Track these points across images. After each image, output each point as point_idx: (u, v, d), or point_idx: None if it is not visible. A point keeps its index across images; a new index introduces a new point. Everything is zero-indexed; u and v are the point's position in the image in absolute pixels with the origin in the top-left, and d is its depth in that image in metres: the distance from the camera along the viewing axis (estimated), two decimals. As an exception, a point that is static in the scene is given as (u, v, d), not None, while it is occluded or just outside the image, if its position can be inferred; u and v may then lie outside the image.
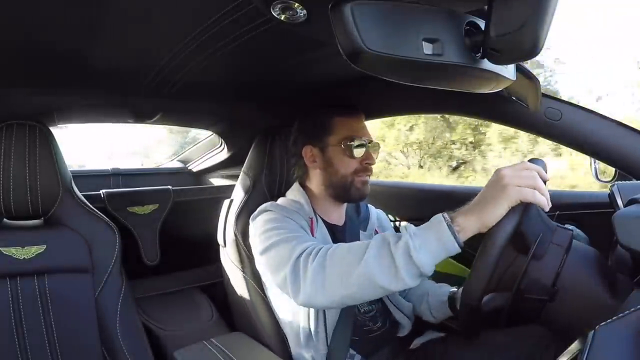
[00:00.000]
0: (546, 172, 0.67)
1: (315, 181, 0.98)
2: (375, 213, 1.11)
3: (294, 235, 0.80)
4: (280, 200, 0.98)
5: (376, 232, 1.04)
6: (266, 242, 0.83)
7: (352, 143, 0.91)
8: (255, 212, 0.93)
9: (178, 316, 1.36)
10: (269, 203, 0.94)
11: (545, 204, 0.58)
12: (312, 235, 0.89)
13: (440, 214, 0.62)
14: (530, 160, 0.64)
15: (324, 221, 0.96)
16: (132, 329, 0.98)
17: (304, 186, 1.00)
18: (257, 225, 0.89)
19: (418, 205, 1.34)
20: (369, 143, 0.94)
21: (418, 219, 1.28)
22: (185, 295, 1.53)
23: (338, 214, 1.01)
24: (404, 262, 0.59)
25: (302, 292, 0.70)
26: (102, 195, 1.41)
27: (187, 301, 1.49)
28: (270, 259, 0.81)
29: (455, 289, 0.97)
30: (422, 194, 1.36)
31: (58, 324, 0.89)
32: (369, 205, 1.11)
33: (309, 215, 0.93)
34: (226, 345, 1.00)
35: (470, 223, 0.59)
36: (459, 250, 0.59)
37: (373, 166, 0.95)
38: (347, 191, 0.94)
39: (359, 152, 0.92)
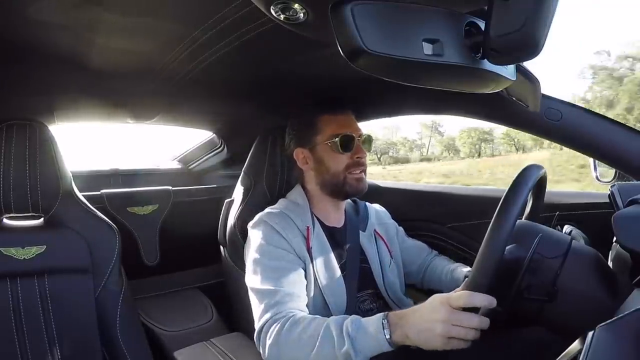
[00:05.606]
0: (546, 184, 0.67)
1: (311, 182, 0.99)
2: (374, 211, 1.10)
3: (269, 289, 0.82)
4: (280, 204, 0.98)
5: (375, 232, 1.04)
6: (250, 279, 0.87)
7: (338, 139, 0.91)
8: (253, 222, 0.94)
9: (178, 316, 1.36)
10: (266, 212, 0.94)
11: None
12: (308, 245, 0.89)
13: (381, 318, 0.68)
14: (529, 167, 0.64)
15: (323, 225, 0.97)
16: (132, 329, 0.98)
17: (304, 187, 1.01)
18: (251, 241, 0.91)
19: (417, 206, 1.34)
20: (359, 137, 0.95)
21: (417, 220, 1.29)
22: (185, 295, 1.53)
23: (337, 216, 1.01)
24: None
25: (265, 355, 0.78)
26: (102, 196, 1.41)
27: (187, 301, 1.49)
28: (250, 296, 0.86)
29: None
30: (420, 195, 1.36)
31: (58, 325, 0.89)
32: (367, 204, 1.11)
33: (306, 224, 0.93)
34: (226, 346, 1.00)
35: (405, 339, 0.66)
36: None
37: None
38: (341, 188, 0.95)
39: (347, 147, 0.92)
